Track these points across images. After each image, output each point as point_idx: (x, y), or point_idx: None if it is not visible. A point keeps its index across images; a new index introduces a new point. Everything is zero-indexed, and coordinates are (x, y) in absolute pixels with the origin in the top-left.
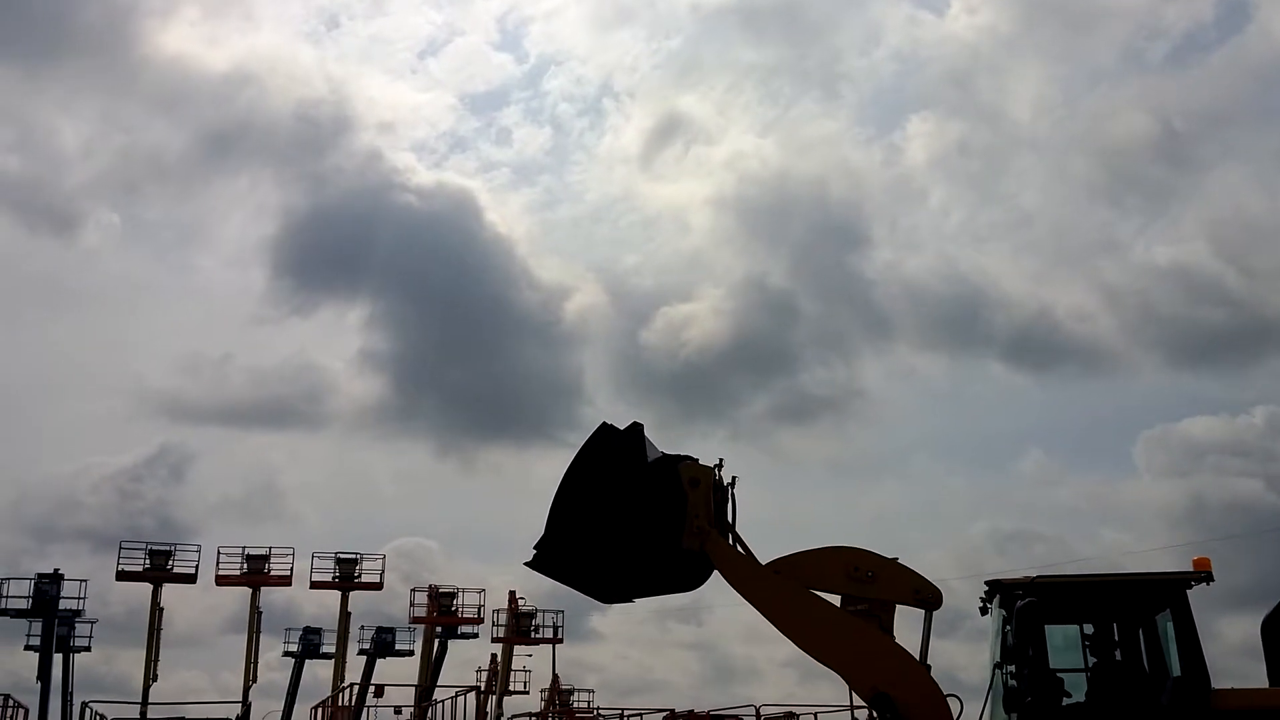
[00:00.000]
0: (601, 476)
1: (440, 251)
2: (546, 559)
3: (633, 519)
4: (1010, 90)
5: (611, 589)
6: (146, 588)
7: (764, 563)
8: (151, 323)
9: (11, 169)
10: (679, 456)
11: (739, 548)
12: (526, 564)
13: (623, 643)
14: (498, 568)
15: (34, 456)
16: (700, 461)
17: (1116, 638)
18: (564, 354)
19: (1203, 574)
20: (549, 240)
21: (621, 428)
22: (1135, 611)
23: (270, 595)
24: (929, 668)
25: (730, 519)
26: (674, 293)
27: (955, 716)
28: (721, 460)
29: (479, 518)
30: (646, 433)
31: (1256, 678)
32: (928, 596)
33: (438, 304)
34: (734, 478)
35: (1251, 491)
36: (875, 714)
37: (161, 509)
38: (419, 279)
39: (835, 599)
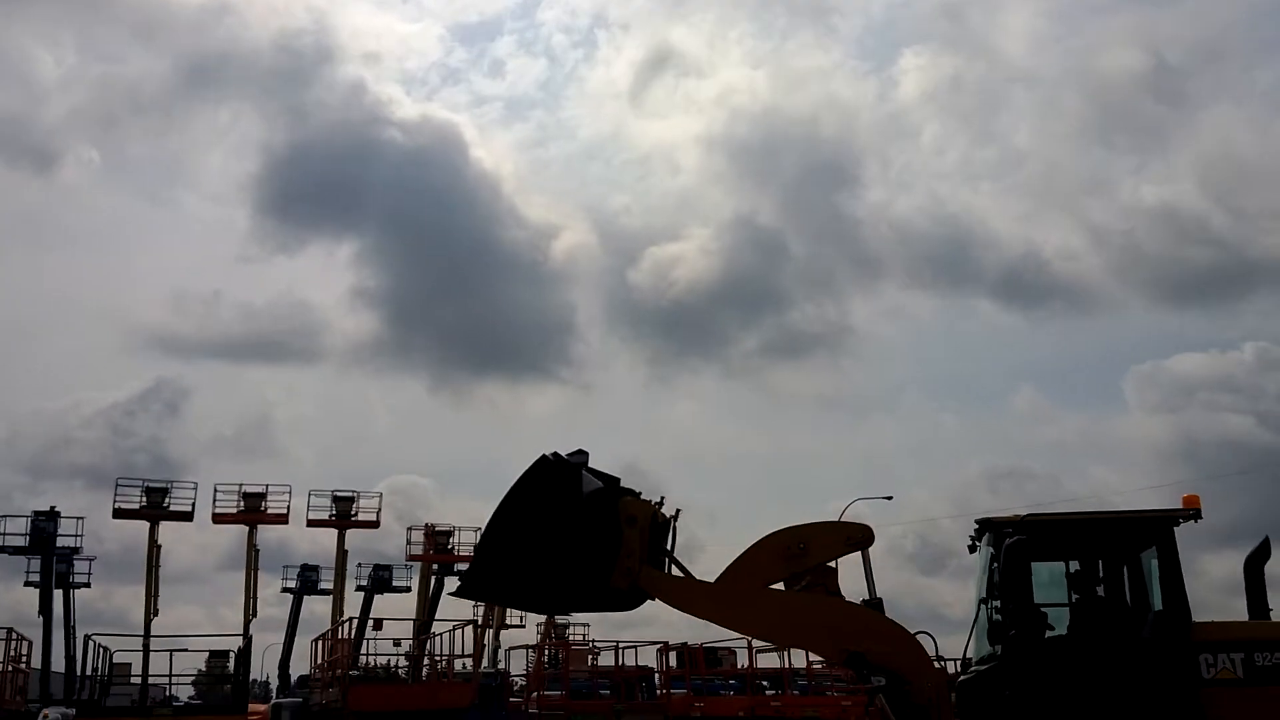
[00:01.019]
0: (534, 511)
1: (427, 188)
2: (475, 586)
3: (564, 555)
4: (1003, 24)
5: (545, 607)
6: (142, 525)
7: (704, 578)
8: (137, 259)
9: None
10: (620, 491)
11: (675, 571)
12: (451, 594)
13: None
14: (492, 504)
15: (24, 392)
16: (642, 496)
17: (1101, 574)
18: (554, 291)
19: (1191, 511)
20: (540, 178)
21: (565, 454)
22: (1122, 548)
23: (265, 533)
24: (880, 602)
25: (670, 545)
26: (662, 232)
27: (932, 653)
28: (663, 498)
29: (473, 453)
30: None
31: (1238, 612)
32: (859, 538)
33: (427, 241)
34: (677, 510)
35: (1241, 427)
36: (854, 674)
37: (155, 445)
38: (407, 216)
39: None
